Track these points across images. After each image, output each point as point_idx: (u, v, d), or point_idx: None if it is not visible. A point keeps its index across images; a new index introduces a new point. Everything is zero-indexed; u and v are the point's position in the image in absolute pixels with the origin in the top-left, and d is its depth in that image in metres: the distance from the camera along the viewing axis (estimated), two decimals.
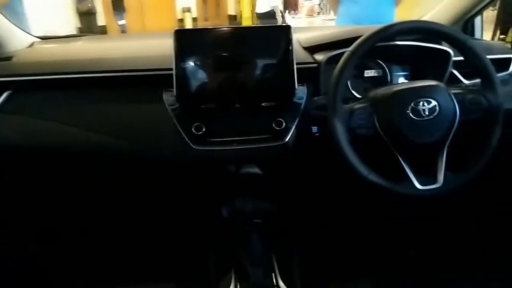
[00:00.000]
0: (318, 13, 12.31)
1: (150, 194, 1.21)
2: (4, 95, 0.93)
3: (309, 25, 11.35)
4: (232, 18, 12.50)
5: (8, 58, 1.00)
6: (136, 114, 0.95)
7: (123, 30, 9.45)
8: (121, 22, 9.55)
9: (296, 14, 12.62)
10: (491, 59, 0.97)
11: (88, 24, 8.87)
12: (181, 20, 11.63)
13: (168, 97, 0.92)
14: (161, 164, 0.99)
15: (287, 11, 11.85)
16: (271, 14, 7.24)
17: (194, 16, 11.85)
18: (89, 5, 8.83)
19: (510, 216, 1.15)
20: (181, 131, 0.89)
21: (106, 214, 1.26)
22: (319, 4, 12.07)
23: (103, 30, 9.03)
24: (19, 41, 1.14)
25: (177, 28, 0.88)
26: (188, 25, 11.70)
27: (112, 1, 9.00)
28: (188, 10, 11.52)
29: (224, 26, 0.93)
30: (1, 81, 0.93)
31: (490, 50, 1.07)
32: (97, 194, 1.19)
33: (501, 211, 1.18)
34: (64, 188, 1.16)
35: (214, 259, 1.15)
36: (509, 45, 1.11)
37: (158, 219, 1.26)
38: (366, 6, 2.33)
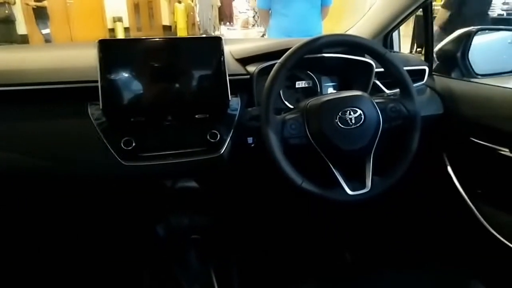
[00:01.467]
0: (253, 25, 12.59)
1: (81, 215, 1.11)
2: None
3: (245, 37, 11.57)
4: (167, 28, 12.29)
5: None
6: (59, 131, 0.87)
7: (47, 39, 8.80)
8: (45, 31, 8.89)
9: (231, 25, 12.79)
10: (408, 70, 1.05)
11: (7, 32, 8.13)
12: (112, 30, 11.17)
13: (94, 111, 0.86)
14: (90, 183, 0.92)
15: (222, 22, 11.97)
16: None
17: (126, 26, 11.46)
18: (7, 11, 8.09)
19: (432, 212, 1.25)
20: (109, 146, 0.83)
21: (31, 238, 1.14)
22: (254, 17, 12.33)
23: (24, 40, 8.35)
24: None
25: (101, 38, 0.83)
26: (120, 35, 11.28)
27: (34, 9, 8.34)
28: (119, 19, 11.10)
29: (155, 36, 0.89)
30: None
31: (407, 61, 1.16)
32: (19, 217, 1.08)
33: (420, 205, 1.28)
34: None
35: (149, 280, 1.09)
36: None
37: (92, 237, 1.17)
38: (295, 19, 2.43)
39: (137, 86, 0.86)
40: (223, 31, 12.29)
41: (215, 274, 1.08)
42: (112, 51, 0.83)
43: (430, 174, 1.18)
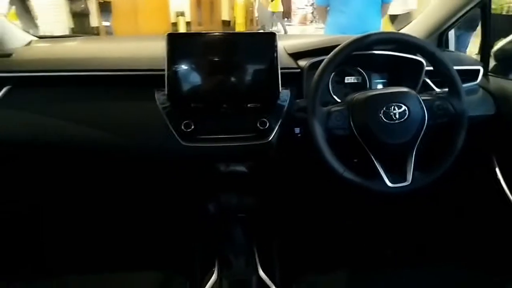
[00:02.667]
0: (311, 21, 12.50)
1: (140, 187, 1.26)
2: (3, 90, 0.98)
3: (302, 33, 11.52)
4: (226, 23, 12.60)
5: (8, 55, 1.04)
6: (129, 112, 1.00)
7: (108, 31, 9.46)
8: (105, 24, 9.56)
9: (289, 21, 12.79)
10: (461, 70, 1.05)
11: (81, 25, 8.86)
12: (174, 24, 11.68)
13: (160, 96, 0.97)
14: (151, 159, 1.04)
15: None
16: None
17: (188, 20, 11.93)
18: (82, 6, 8.82)
19: (472, 211, 1.24)
20: (171, 128, 0.94)
21: (98, 205, 1.30)
22: (312, 13, 12.22)
23: (96, 32, 9.04)
24: (17, 39, 1.18)
25: (170, 32, 0.94)
26: (182, 29, 11.76)
27: (100, 3, 9.01)
28: (182, 14, 11.57)
29: (216, 31, 0.99)
30: (1, 76, 0.98)
31: (460, 61, 1.15)
32: (90, 186, 1.24)
33: (465, 206, 1.26)
34: (57, 180, 1.20)
35: (199, 250, 1.21)
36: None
37: (147, 211, 1.31)
38: (353, 16, 2.39)
39: (198, 76, 0.96)
40: (281, 27, 12.36)
41: (257, 250, 1.17)
42: (179, 43, 0.94)
43: (476, 174, 1.17)
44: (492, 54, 1.17)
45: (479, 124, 1.08)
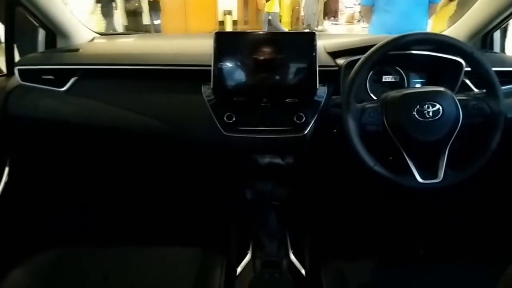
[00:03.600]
0: (358, 20, 12.24)
1: (185, 171, 1.37)
2: (72, 80, 1.11)
3: (349, 32, 11.32)
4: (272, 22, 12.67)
5: (75, 50, 1.18)
6: (178, 102, 1.10)
7: (157, 30, 9.85)
8: (156, 22, 9.95)
9: (336, 20, 12.62)
10: (502, 71, 1.05)
11: (134, 23, 9.34)
12: (221, 23, 11.95)
13: (206, 90, 1.06)
14: (197, 146, 1.13)
15: (326, 17, 11.89)
16: None
17: (235, 19, 12.14)
18: (136, 4, 9.28)
19: (504, 210, 1.21)
20: (214, 119, 1.03)
21: (148, 185, 1.43)
22: (360, 12, 11.96)
23: (147, 29, 9.47)
24: (83, 35, 1.33)
25: (217, 31, 1.03)
26: (228, 27, 12.00)
27: (150, 2, 9.40)
28: (229, 13, 11.81)
29: (260, 30, 1.06)
30: (69, 68, 1.11)
31: (504, 63, 1.14)
32: (141, 168, 1.37)
33: (496, 205, 1.24)
34: (112, 160, 1.34)
35: (235, 232, 1.29)
36: None
37: (191, 193, 1.42)
38: (398, 16, 2.37)
39: (241, 72, 1.04)
40: (327, 26, 12.23)
41: (289, 235, 1.23)
42: (225, 41, 1.02)
43: (506, 172, 1.15)
44: None
45: None
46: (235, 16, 12.14)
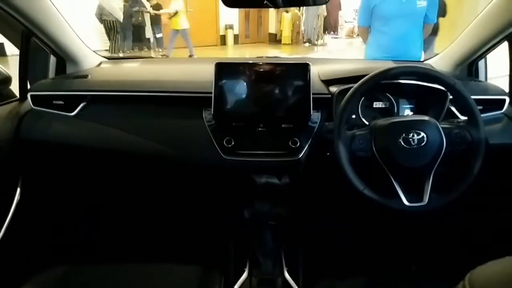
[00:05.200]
0: (358, 34, 12.38)
1: (185, 192, 1.43)
2: (81, 105, 1.18)
3: (349, 46, 11.45)
4: (273, 36, 12.86)
5: (84, 76, 1.25)
6: (180, 127, 1.16)
7: (159, 43, 10.08)
8: (158, 35, 10.15)
9: (336, 34, 12.78)
10: (485, 99, 1.11)
11: (138, 35, 9.55)
12: (223, 37, 12.13)
13: (207, 115, 1.13)
14: (197, 169, 1.20)
15: (326, 31, 12.05)
16: None
17: (236, 33, 12.32)
18: (140, 18, 9.47)
19: (485, 230, 1.27)
20: (214, 143, 1.10)
21: (148, 205, 1.49)
22: None
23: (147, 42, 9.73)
24: (90, 60, 1.41)
25: (217, 61, 1.10)
26: (230, 40, 12.18)
27: (151, 16, 9.60)
28: (231, 27, 12.00)
29: (257, 60, 1.13)
30: (78, 94, 1.18)
31: (487, 91, 1.20)
32: (143, 188, 1.43)
33: (485, 224, 1.30)
34: (116, 180, 1.40)
35: (233, 251, 1.35)
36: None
37: (190, 213, 1.48)
38: (394, 37, 2.45)
39: (239, 99, 1.11)
40: (327, 40, 12.39)
41: (284, 254, 1.28)
42: (225, 71, 1.10)
43: (496, 198, 1.21)
44: None
45: (501, 152, 1.12)
46: (236, 31, 12.33)
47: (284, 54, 10.85)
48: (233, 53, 11.48)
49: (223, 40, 12.33)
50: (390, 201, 0.95)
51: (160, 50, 10.40)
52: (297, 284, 1.21)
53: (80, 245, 1.34)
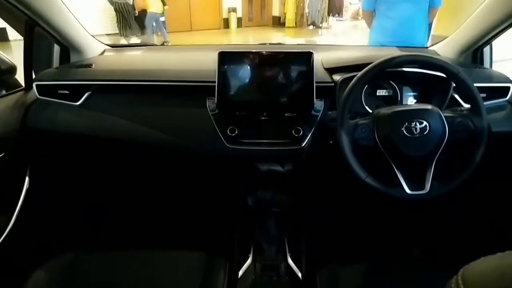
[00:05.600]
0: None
1: (190, 180, 1.45)
2: (86, 95, 1.19)
3: (353, 28, 11.28)
4: (276, 19, 12.69)
5: (89, 65, 1.26)
6: (184, 116, 1.17)
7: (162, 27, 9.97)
8: (161, 19, 10.04)
9: (341, 17, 12.59)
10: (490, 87, 1.11)
11: (140, 20, 9.47)
12: (226, 20, 12.00)
13: (210, 104, 1.14)
14: (201, 157, 1.21)
15: (331, 14, 11.87)
16: None
17: (239, 16, 12.17)
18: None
19: (493, 215, 1.29)
20: (218, 132, 1.11)
21: (154, 193, 1.51)
22: None
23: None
24: (94, 49, 1.41)
25: (220, 51, 1.10)
26: (233, 24, 12.04)
27: None
28: (234, 10, 11.86)
29: (259, 49, 1.13)
30: (83, 84, 1.19)
31: (491, 78, 1.19)
32: (148, 176, 1.45)
33: (486, 211, 1.32)
34: (122, 168, 1.42)
35: (237, 237, 1.38)
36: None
37: (195, 201, 1.50)
38: (399, 21, 2.42)
39: (243, 88, 1.11)
40: (332, 22, 12.21)
41: (288, 240, 1.31)
42: (228, 60, 1.10)
43: (498, 186, 1.21)
44: None
45: (504, 140, 1.13)
46: (239, 14, 12.18)
47: (287, 37, 10.73)
48: (236, 36, 11.37)
49: (226, 23, 12.20)
50: (392, 190, 0.96)
51: None
52: (300, 270, 1.24)
53: (87, 233, 1.37)
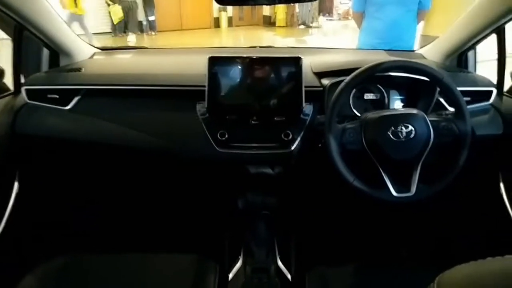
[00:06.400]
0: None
1: (180, 184, 1.46)
2: (75, 99, 1.19)
3: (344, 28, 11.36)
4: (267, 18, 12.71)
5: (78, 69, 1.25)
6: (174, 120, 1.18)
7: (152, 26, 10.08)
8: (151, 18, 10.09)
9: (331, 16, 12.67)
10: (473, 91, 1.14)
11: (130, 18, 9.54)
12: (216, 19, 11.97)
13: (200, 108, 1.15)
14: (191, 161, 1.22)
15: (321, 13, 11.93)
16: None
17: (230, 15, 12.16)
18: (130, 0, 9.40)
19: (478, 222, 1.33)
20: (208, 136, 1.12)
21: (144, 196, 1.52)
22: None
23: (140, 23, 10.00)
24: (83, 52, 1.40)
25: (210, 56, 1.10)
26: (224, 23, 12.03)
27: None
28: (224, 9, 11.82)
29: (249, 53, 1.14)
30: (73, 88, 1.19)
31: (475, 83, 1.23)
32: (138, 179, 1.45)
33: (471, 211, 1.36)
34: (111, 172, 1.42)
35: (228, 240, 1.39)
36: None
37: (186, 204, 1.51)
38: (388, 23, 2.44)
39: (233, 92, 1.12)
40: (322, 22, 12.28)
41: (277, 243, 1.33)
42: (217, 65, 1.11)
43: (481, 187, 1.25)
44: (510, 75, 1.23)
45: (487, 143, 1.16)
46: (230, 13, 12.16)
47: (278, 37, 10.75)
48: (226, 36, 11.37)
49: (216, 22, 12.18)
50: (379, 192, 0.98)
51: (153, 33, 10.30)
52: (289, 272, 1.26)
53: (78, 237, 1.37)
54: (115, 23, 9.24)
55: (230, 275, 1.25)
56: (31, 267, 1.07)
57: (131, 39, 9.32)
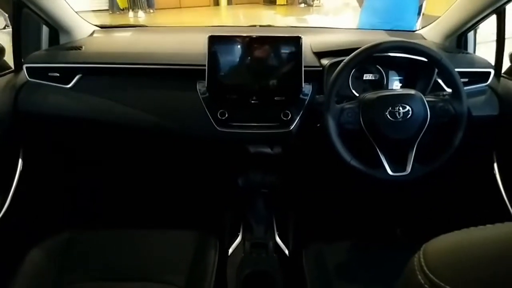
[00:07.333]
0: None
1: (181, 162, 1.48)
2: (76, 77, 1.19)
3: (345, 6, 11.17)
4: None
5: (79, 47, 1.25)
6: (175, 99, 1.19)
7: (150, 4, 9.98)
8: None
9: None
10: (471, 72, 1.15)
11: None
12: None
13: (201, 87, 1.15)
14: (191, 140, 1.23)
15: None
16: None
17: None
18: None
19: (471, 201, 1.37)
20: (209, 115, 1.13)
21: (146, 174, 1.54)
22: None
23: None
24: (83, 30, 1.40)
25: (210, 35, 1.11)
26: (223, 1, 11.81)
27: None
28: None
29: (249, 32, 1.14)
30: (74, 67, 1.19)
31: (473, 64, 1.23)
32: (140, 158, 1.47)
33: (465, 196, 1.40)
34: (113, 151, 1.44)
35: (228, 217, 1.43)
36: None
37: (187, 182, 1.53)
38: (390, 2, 2.41)
39: (233, 71, 1.13)
40: (323, 0, 12.05)
41: (276, 219, 1.37)
42: (217, 44, 1.11)
43: (476, 167, 1.27)
44: (509, 56, 1.24)
45: (483, 123, 1.18)
46: None
47: (279, 15, 10.59)
48: (226, 14, 11.18)
49: (216, 0, 11.95)
50: (375, 171, 1.00)
51: (151, 11, 10.13)
52: (287, 247, 1.30)
53: (81, 213, 1.40)
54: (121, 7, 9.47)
55: (230, 250, 1.29)
56: (36, 242, 1.11)
57: (141, 15, 9.58)
